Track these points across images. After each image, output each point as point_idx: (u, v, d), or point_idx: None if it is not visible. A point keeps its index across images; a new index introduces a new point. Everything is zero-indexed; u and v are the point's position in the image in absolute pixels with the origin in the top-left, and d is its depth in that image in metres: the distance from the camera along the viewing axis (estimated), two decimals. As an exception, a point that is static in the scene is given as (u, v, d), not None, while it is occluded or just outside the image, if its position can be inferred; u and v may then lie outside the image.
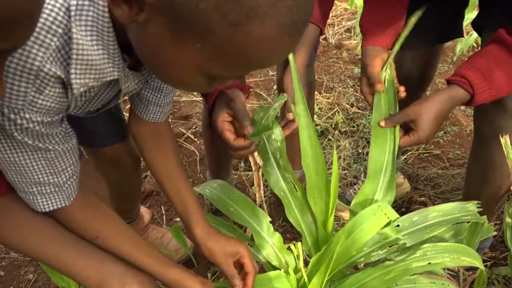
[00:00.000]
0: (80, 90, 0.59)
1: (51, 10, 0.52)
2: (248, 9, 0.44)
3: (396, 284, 0.88)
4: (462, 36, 1.36)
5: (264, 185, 1.79)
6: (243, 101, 0.91)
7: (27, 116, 0.56)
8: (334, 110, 2.23)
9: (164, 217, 1.70)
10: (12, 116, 0.55)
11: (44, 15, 0.52)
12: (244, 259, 0.84)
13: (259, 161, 1.33)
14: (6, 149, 0.61)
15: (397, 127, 0.99)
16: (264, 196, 1.76)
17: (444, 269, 1.21)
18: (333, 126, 2.12)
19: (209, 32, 0.47)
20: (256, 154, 1.32)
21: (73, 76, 0.57)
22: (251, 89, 1.05)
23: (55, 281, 1.22)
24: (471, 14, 2.32)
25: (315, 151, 0.88)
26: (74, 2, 0.53)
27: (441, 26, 1.30)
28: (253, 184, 1.78)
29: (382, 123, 0.99)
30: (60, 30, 0.53)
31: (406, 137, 0.99)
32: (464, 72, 0.96)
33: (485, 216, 0.93)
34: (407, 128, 1.01)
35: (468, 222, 0.99)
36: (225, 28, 0.46)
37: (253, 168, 1.48)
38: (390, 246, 0.92)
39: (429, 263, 0.84)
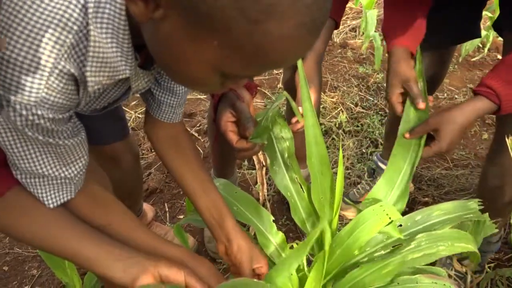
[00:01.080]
0: (94, 88, 0.59)
1: (67, 7, 0.52)
2: (267, 6, 0.44)
3: (398, 284, 0.87)
4: (479, 36, 1.34)
5: (267, 183, 1.79)
6: (248, 101, 0.91)
7: (39, 112, 0.56)
8: (338, 110, 2.22)
9: (167, 214, 1.70)
10: (24, 112, 0.55)
11: (60, 12, 0.52)
12: (262, 270, 0.85)
13: (263, 160, 1.34)
14: (17, 144, 0.61)
15: (423, 140, 0.99)
16: (268, 195, 1.77)
17: (451, 270, 1.21)
18: (337, 125, 2.12)
19: (226, 29, 0.46)
20: (260, 153, 1.32)
21: (88, 73, 0.57)
22: (258, 88, 1.05)
23: (58, 277, 1.23)
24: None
25: (321, 150, 0.88)
26: None
27: (461, 27, 1.29)
28: (256, 183, 1.78)
29: (407, 135, 0.99)
30: (75, 27, 0.53)
31: (427, 147, 0.99)
32: (490, 82, 0.94)
33: (486, 214, 0.93)
34: (428, 137, 1.01)
35: (470, 221, 0.99)
36: (243, 25, 0.45)
37: (257, 166, 1.48)
38: (393, 247, 0.92)
39: (424, 254, 0.84)
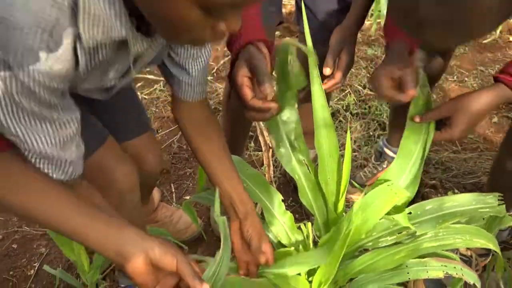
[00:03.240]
0: (89, 43, 0.59)
1: None
2: None
3: (407, 266, 0.87)
4: None
5: (273, 165, 1.79)
6: (266, 55, 0.86)
7: (37, 76, 0.56)
8: (346, 92, 2.20)
9: (174, 195, 1.71)
10: (20, 76, 0.55)
11: None
12: (268, 256, 0.87)
13: (269, 141, 1.33)
14: (12, 121, 0.60)
15: (432, 124, 0.97)
16: (274, 177, 1.76)
17: (456, 253, 1.21)
18: (344, 107, 2.10)
19: None
20: (266, 134, 1.31)
21: (81, 27, 0.57)
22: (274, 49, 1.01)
23: (66, 255, 1.24)
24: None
25: (329, 132, 0.87)
26: None
27: None
28: (262, 164, 1.77)
29: (417, 119, 0.96)
30: None
31: (437, 132, 0.96)
32: None
33: (503, 207, 0.90)
34: (440, 122, 0.98)
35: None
36: None
37: (263, 148, 1.47)
38: (399, 233, 0.91)
39: (440, 244, 0.84)
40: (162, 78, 2.32)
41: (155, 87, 2.26)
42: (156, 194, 1.52)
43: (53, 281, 1.37)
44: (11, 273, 1.42)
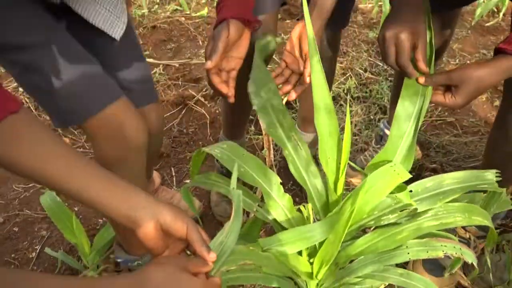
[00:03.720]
0: None
1: None
2: None
3: (407, 247, 0.87)
4: None
5: (274, 149, 1.78)
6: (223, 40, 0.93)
7: None
8: (347, 75, 2.19)
9: (174, 178, 1.71)
10: None
11: None
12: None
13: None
14: None
15: (430, 88, 0.93)
16: (274, 160, 1.76)
17: (455, 235, 1.21)
18: (345, 91, 2.09)
19: None
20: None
21: None
22: (257, 26, 1.01)
23: (67, 238, 1.25)
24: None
25: (329, 111, 0.86)
26: None
27: None
28: (263, 148, 1.77)
29: (422, 80, 0.91)
30: None
31: (440, 96, 0.92)
32: None
33: (504, 188, 0.90)
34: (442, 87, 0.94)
35: (484, 192, 0.97)
36: None
37: (263, 132, 1.46)
38: (400, 211, 0.91)
39: (441, 222, 0.84)
40: (162, 62, 2.30)
41: (154, 70, 2.24)
42: (156, 177, 1.52)
43: (55, 263, 1.38)
44: (13, 255, 1.43)
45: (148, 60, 2.29)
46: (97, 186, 0.66)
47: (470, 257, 0.87)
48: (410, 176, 0.80)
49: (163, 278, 0.61)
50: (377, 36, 2.52)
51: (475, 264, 0.87)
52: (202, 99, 2.07)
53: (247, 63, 1.01)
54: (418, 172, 1.67)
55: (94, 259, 1.29)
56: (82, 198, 0.67)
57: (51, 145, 0.67)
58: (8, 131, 0.64)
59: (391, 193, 0.81)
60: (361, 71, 2.23)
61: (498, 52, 0.90)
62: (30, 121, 0.66)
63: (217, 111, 2.01)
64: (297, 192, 1.62)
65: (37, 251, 1.44)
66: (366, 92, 2.10)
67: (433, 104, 1.13)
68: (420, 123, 0.92)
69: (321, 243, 0.86)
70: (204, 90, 2.12)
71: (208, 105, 2.05)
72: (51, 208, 1.23)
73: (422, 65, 0.90)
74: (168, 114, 2.01)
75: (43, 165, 0.66)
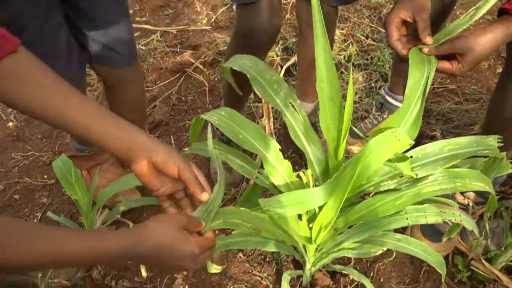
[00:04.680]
0: None
1: None
2: None
3: (406, 212, 0.88)
4: None
5: (273, 117, 1.77)
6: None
7: None
8: (348, 42, 2.14)
9: (173, 146, 1.70)
10: None
11: None
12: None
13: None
14: None
15: (433, 57, 0.92)
16: (274, 128, 1.75)
17: (453, 201, 1.22)
18: (346, 58, 2.05)
19: None
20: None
21: None
22: None
23: (68, 193, 1.24)
24: None
25: (331, 75, 0.84)
26: None
27: None
28: (262, 116, 1.76)
29: (426, 50, 0.91)
30: None
31: (447, 63, 0.91)
32: None
33: (504, 152, 0.90)
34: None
35: (485, 158, 0.97)
36: None
37: (263, 100, 1.45)
38: (400, 177, 0.91)
39: (441, 188, 0.83)
40: (159, 28, 2.25)
41: (152, 37, 2.20)
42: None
43: (56, 230, 1.39)
44: (14, 222, 1.44)
45: (145, 26, 2.24)
46: (101, 122, 0.68)
47: (469, 224, 0.87)
48: (412, 142, 0.79)
49: (161, 235, 0.66)
50: (379, 1, 2.44)
51: (475, 231, 0.87)
52: (201, 66, 2.04)
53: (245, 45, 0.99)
54: (418, 139, 1.65)
55: (94, 217, 1.31)
56: (88, 134, 0.68)
57: (52, 83, 0.67)
58: (7, 71, 0.63)
59: (392, 162, 0.80)
60: (362, 37, 2.18)
61: (503, 12, 0.88)
62: (29, 60, 0.66)
63: (216, 79, 1.99)
64: (296, 159, 1.62)
65: (38, 218, 1.45)
66: (367, 59, 2.06)
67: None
68: (427, 92, 0.90)
69: (320, 208, 0.86)
70: (202, 57, 2.08)
71: (207, 73, 2.02)
72: (60, 169, 1.26)
73: (424, 38, 0.91)
74: (166, 81, 1.98)
75: (45, 104, 0.66)
